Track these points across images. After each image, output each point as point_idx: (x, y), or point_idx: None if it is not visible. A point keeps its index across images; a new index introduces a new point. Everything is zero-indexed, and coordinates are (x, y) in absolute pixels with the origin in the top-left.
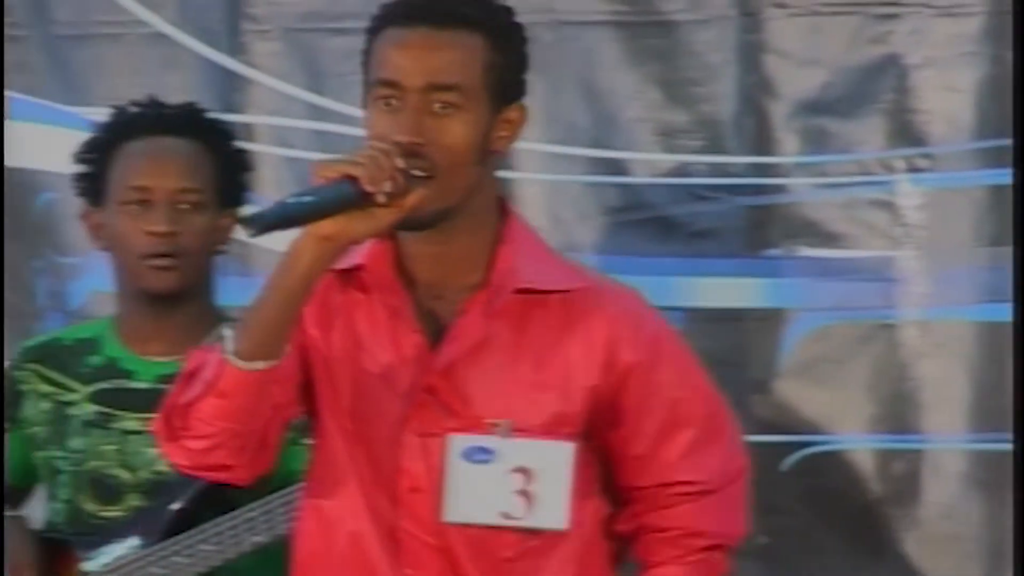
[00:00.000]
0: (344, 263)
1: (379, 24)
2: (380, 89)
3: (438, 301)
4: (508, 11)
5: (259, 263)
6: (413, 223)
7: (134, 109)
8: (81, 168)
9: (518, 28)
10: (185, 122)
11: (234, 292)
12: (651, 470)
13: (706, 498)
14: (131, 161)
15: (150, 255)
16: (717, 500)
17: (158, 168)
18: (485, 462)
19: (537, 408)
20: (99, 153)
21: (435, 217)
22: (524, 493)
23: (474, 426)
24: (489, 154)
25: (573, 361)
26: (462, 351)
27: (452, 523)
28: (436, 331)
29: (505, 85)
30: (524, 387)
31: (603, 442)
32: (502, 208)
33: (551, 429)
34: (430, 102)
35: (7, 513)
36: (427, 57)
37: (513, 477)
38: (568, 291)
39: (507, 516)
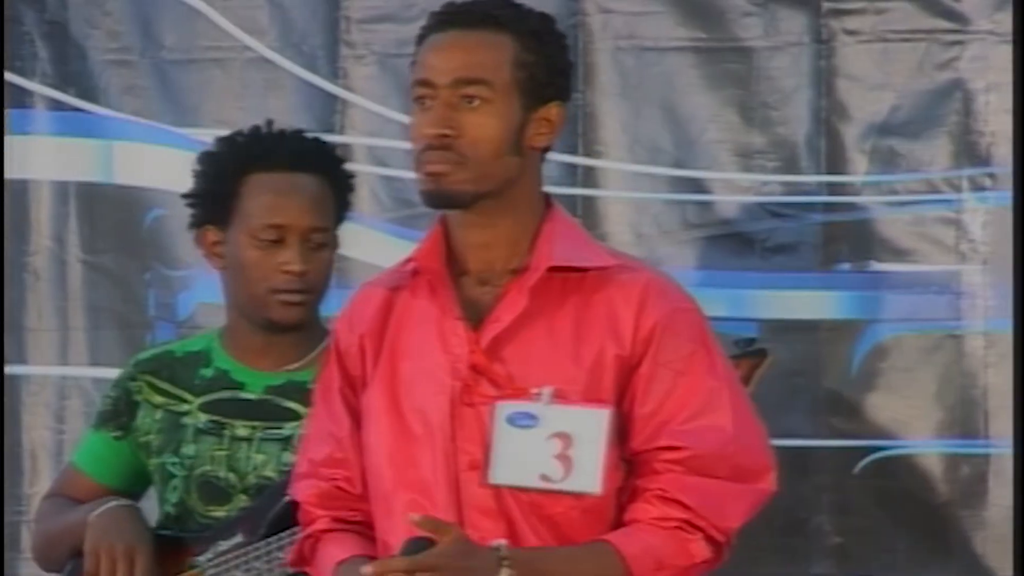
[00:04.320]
0: (396, 266)
1: (423, 33)
2: (417, 89)
3: (484, 287)
4: (543, 16)
5: (356, 275)
6: (450, 202)
7: (264, 137)
8: (203, 187)
9: (551, 31)
10: (316, 158)
11: (332, 303)
12: (646, 434)
13: (699, 477)
14: (266, 196)
15: (282, 291)
16: (713, 485)
17: (293, 207)
18: (528, 427)
19: (575, 376)
20: (226, 176)
21: (470, 199)
22: (563, 458)
23: (520, 396)
24: (526, 149)
25: (606, 328)
26: (501, 328)
27: (497, 485)
28: (480, 317)
29: (538, 84)
30: (563, 357)
31: (623, 408)
32: (547, 203)
33: (589, 396)
34: (459, 96)
35: (121, 502)
36: (456, 55)
37: (553, 442)
38: (602, 268)
39: (546, 479)
